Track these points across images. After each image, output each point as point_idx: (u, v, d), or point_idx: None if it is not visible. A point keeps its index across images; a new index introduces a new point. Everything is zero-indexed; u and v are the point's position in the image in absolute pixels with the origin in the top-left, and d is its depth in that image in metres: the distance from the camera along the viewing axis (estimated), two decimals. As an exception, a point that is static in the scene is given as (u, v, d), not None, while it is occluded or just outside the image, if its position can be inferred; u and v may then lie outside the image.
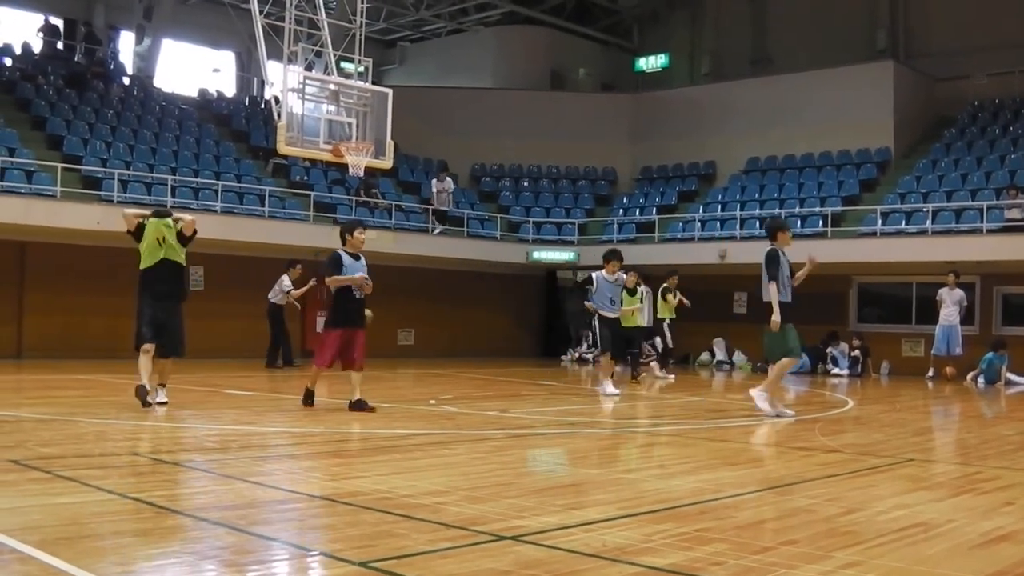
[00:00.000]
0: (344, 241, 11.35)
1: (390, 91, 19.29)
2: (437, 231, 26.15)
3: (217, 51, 31.96)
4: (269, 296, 19.60)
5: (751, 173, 28.87)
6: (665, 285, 20.01)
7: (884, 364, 23.29)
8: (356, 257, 11.22)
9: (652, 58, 34.82)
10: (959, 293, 19.09)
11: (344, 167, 19.67)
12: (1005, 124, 27.06)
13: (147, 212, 11.08)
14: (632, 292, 17.57)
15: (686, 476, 7.55)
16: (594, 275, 14.97)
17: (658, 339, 20.70)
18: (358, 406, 10.91)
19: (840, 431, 10.79)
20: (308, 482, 6.42)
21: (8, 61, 26.18)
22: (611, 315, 14.86)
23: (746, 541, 4.88)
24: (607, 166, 31.53)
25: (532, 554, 4.58)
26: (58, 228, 19.47)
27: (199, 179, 23.31)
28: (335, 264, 11.05)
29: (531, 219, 28.73)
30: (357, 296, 11.11)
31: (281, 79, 18.48)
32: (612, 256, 14.73)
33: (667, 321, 19.97)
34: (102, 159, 22.55)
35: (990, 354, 20.16)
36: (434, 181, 27.38)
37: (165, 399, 10.75)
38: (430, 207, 26.48)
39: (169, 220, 10.76)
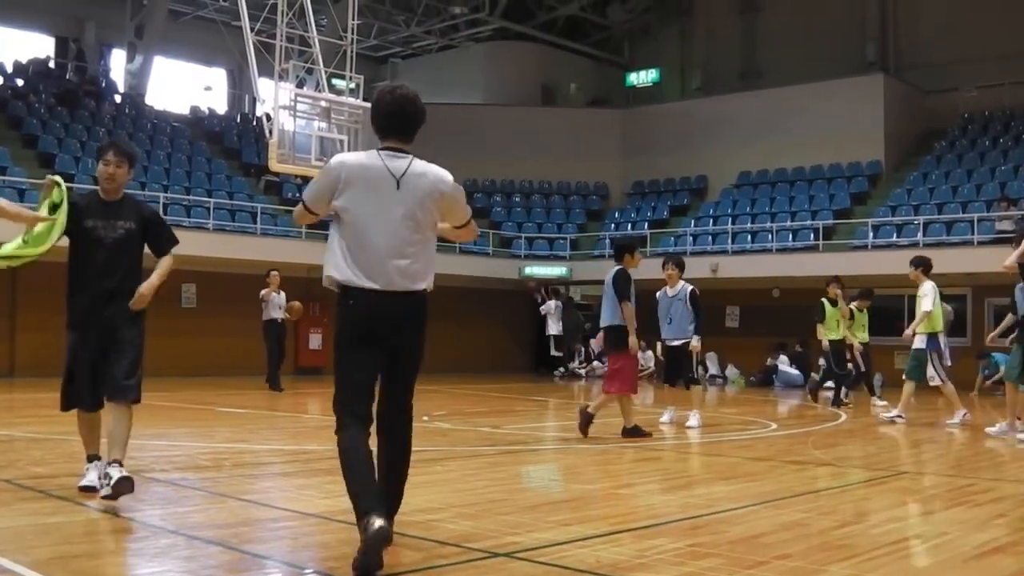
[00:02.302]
0: (621, 259, 10.67)
1: (381, 108, 19.32)
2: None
3: (209, 68, 31.99)
4: (273, 315, 17.71)
5: (742, 187, 28.96)
6: (855, 304, 16.89)
7: (877, 377, 23.31)
8: None
9: (643, 73, 34.93)
10: (946, 308, 19.11)
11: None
12: (995, 136, 27.19)
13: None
14: (834, 303, 15.84)
15: (679, 491, 7.55)
16: (658, 295, 12.45)
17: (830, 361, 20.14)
18: (635, 432, 10.49)
19: (833, 444, 10.79)
20: (302, 500, 6.41)
21: (-1, 79, 26.20)
22: (670, 341, 12.23)
23: (740, 556, 4.88)
24: (599, 181, 31.59)
25: (526, 571, 4.58)
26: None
27: (191, 196, 23.31)
28: (629, 280, 10.48)
29: (523, 235, 28.77)
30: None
31: (273, 96, 18.54)
32: (670, 261, 12.37)
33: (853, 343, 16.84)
34: (94, 177, 22.44)
35: (997, 354, 20.24)
36: None
37: (110, 492, 5.83)
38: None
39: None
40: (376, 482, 4.63)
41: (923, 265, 13.17)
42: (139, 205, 6.50)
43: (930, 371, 13.03)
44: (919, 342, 12.89)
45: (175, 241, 6.48)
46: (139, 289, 6.12)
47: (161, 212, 21.15)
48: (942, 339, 13.06)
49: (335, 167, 4.77)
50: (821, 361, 21.41)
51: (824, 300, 15.95)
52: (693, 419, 11.97)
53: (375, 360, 4.80)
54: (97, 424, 6.41)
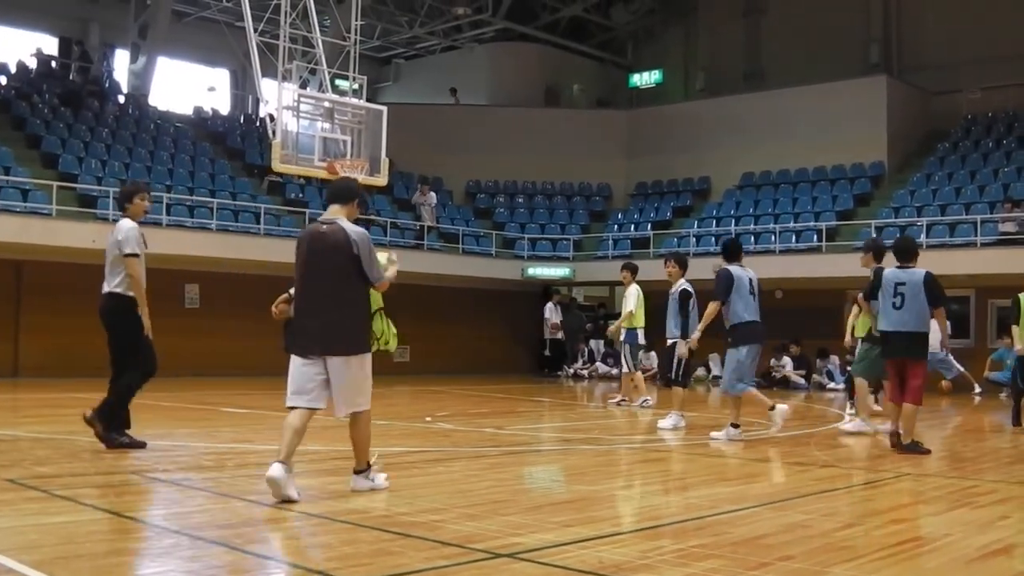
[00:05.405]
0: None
1: (385, 108, 19.33)
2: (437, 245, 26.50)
3: (212, 69, 32.00)
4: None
5: (746, 188, 28.94)
6: None
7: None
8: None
9: (646, 74, 34.93)
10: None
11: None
12: (998, 137, 27.16)
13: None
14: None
15: (682, 492, 7.56)
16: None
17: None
18: (913, 448, 9.56)
19: (835, 446, 10.78)
20: (305, 500, 6.42)
21: (3, 79, 26.20)
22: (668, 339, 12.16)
23: (742, 557, 4.89)
24: (602, 182, 31.58)
25: (529, 571, 4.59)
26: (54, 246, 19.44)
27: (194, 197, 23.31)
28: (871, 282, 9.99)
29: (526, 235, 28.76)
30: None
31: (276, 97, 18.51)
32: (670, 259, 12.76)
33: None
34: (97, 177, 22.54)
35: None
36: (416, 194, 27.60)
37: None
38: (425, 224, 26.55)
39: None
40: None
41: (630, 269, 15.29)
42: None
43: (623, 360, 15.42)
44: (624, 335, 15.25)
45: None
46: None
47: (164, 212, 21.26)
48: (640, 333, 15.13)
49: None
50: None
51: (1022, 296, 12.34)
52: (667, 420, 11.77)
53: None
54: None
